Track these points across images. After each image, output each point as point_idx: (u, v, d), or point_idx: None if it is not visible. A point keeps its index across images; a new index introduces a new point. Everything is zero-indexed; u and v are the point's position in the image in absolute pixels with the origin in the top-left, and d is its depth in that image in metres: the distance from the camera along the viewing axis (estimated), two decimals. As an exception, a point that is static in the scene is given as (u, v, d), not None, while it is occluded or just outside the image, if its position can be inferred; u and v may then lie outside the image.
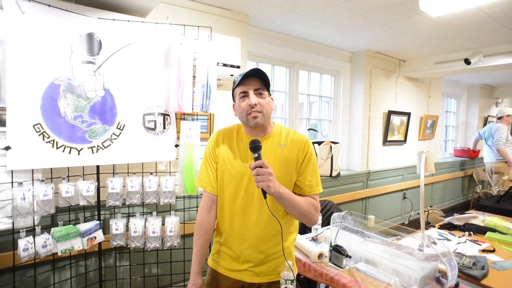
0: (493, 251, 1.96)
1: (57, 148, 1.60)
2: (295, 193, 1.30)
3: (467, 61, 3.40)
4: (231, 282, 1.32)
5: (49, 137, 1.57)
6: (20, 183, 1.51)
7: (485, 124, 5.81)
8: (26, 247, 1.50)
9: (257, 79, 1.20)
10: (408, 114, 4.27)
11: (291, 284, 1.20)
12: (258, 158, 1.11)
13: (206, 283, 1.36)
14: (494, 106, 6.41)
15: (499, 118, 4.70)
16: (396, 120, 4.14)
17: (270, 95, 1.26)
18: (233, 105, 1.29)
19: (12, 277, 1.61)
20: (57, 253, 1.58)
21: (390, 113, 4.01)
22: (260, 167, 1.09)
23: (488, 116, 6.19)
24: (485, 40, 3.22)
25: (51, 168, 1.66)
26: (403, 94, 4.28)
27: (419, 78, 4.44)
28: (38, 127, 1.55)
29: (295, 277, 1.23)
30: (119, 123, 1.74)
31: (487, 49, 3.39)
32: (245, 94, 1.20)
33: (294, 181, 1.28)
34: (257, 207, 1.24)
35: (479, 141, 5.25)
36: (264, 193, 1.12)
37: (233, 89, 1.26)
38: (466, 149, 5.76)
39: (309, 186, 1.28)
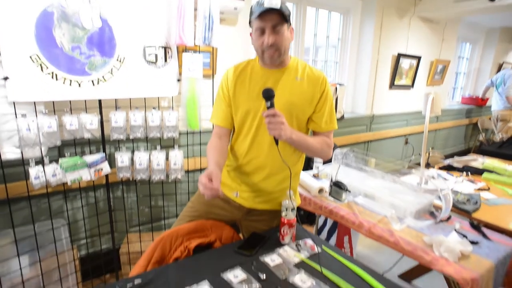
0: (487, 189, 2.02)
1: (57, 80, 1.57)
2: (308, 129, 1.33)
3: (490, -2, 3.15)
4: (231, 202, 1.39)
5: (47, 68, 1.54)
6: (24, 115, 1.51)
7: (498, 71, 5.59)
8: (37, 175, 1.55)
9: (275, 13, 1.12)
10: (418, 58, 4.10)
11: (291, 211, 1.26)
12: (271, 107, 1.11)
13: (203, 200, 1.40)
14: (512, 51, 6.09)
15: None
16: (405, 63, 3.98)
17: (290, 25, 1.20)
18: (250, 33, 1.24)
19: (28, 204, 1.70)
20: (67, 182, 1.65)
21: (400, 56, 3.84)
22: (273, 115, 1.09)
23: (503, 62, 5.93)
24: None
25: (53, 102, 1.65)
26: (415, 36, 4.05)
27: (435, 19, 4.16)
28: (35, 58, 1.50)
29: (296, 206, 1.28)
30: (118, 55, 1.68)
31: (514, -16, 3.11)
32: (262, 31, 1.14)
33: (308, 116, 1.28)
34: (269, 141, 1.25)
35: (490, 89, 5.09)
36: (276, 140, 1.14)
37: (250, 18, 1.19)
38: (474, 97, 5.63)
39: (325, 123, 1.29)
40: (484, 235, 1.45)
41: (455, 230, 1.46)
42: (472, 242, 1.35)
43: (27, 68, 1.49)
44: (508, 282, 1.41)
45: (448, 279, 1.54)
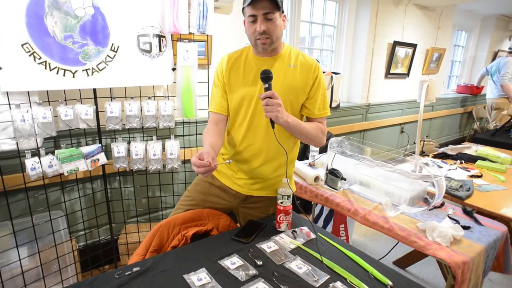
0: (480, 176, 2.05)
1: (50, 70, 1.55)
2: (302, 115, 1.35)
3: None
4: (227, 190, 1.40)
5: (40, 58, 1.51)
6: (18, 105, 1.50)
7: (494, 59, 5.60)
8: (33, 166, 1.55)
9: (267, 1, 1.12)
10: (414, 46, 4.09)
11: (287, 199, 1.28)
12: (268, 89, 1.12)
13: (200, 189, 1.43)
14: (508, 39, 6.09)
15: (511, 52, 4.50)
16: (401, 52, 3.98)
17: (283, 12, 1.20)
18: (244, 21, 1.24)
19: (25, 196, 1.70)
20: (63, 173, 1.64)
21: (396, 44, 3.83)
22: (270, 97, 1.10)
23: (498, 50, 5.94)
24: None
25: (47, 92, 1.64)
26: (411, 24, 4.04)
27: (431, 6, 4.14)
28: (27, 47, 1.48)
29: (292, 193, 1.30)
30: (112, 44, 1.66)
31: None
32: (254, 18, 1.15)
33: (301, 103, 1.30)
34: (265, 127, 1.27)
35: (485, 77, 5.11)
36: (273, 122, 1.15)
37: (243, 6, 1.20)
38: (469, 85, 5.65)
39: (318, 109, 1.31)
40: (476, 221, 1.48)
41: (448, 216, 1.49)
42: (464, 227, 1.38)
43: (20, 58, 1.46)
44: (498, 265, 1.45)
45: (441, 264, 1.58)
